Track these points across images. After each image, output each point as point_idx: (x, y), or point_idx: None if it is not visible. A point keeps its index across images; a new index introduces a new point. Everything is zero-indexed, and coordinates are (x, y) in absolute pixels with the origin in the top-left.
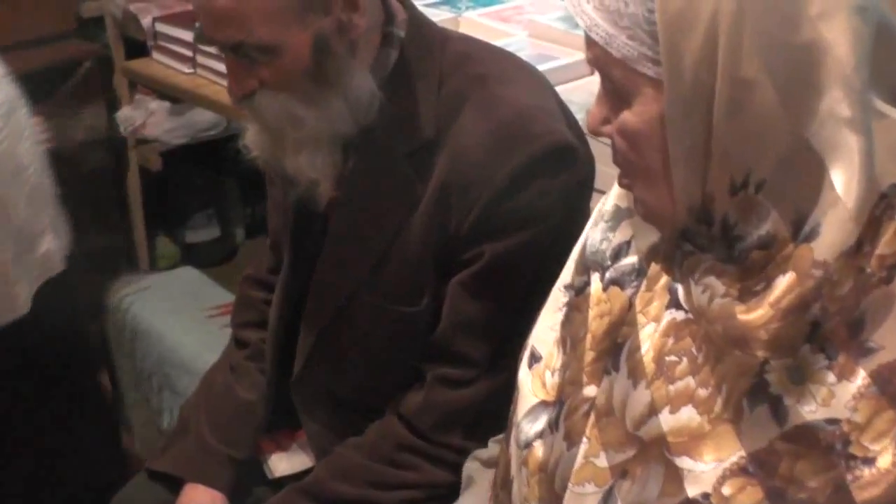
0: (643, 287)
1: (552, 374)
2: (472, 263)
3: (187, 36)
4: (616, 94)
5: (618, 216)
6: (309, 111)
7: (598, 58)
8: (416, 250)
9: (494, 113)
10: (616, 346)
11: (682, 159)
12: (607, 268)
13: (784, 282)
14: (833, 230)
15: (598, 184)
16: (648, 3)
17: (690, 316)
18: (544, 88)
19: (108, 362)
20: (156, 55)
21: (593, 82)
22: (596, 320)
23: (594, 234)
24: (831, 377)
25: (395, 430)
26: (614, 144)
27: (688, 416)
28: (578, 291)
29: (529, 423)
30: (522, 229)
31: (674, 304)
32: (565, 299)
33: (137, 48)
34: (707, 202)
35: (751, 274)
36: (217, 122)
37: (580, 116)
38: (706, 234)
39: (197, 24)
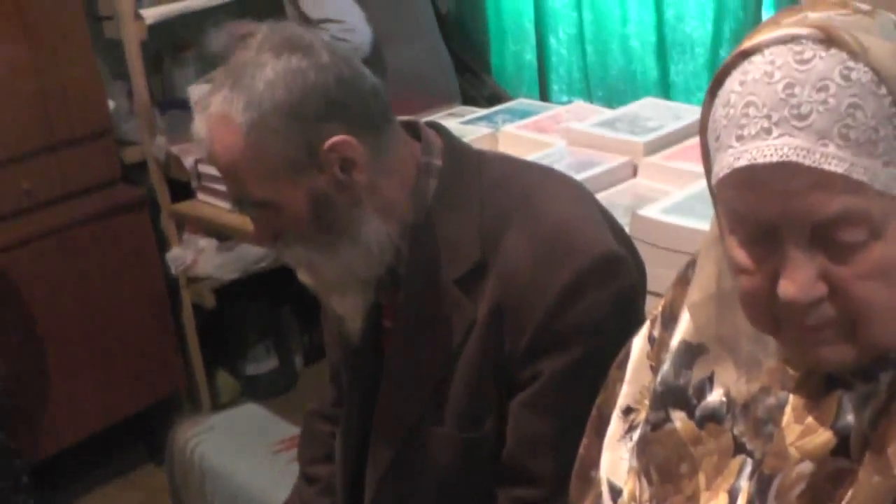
0: (788, 416)
1: None
2: (532, 383)
3: None
4: (846, 242)
5: (689, 353)
6: (322, 259)
7: (849, 206)
8: (475, 374)
9: (537, 230)
10: (761, 480)
11: None
12: (694, 406)
13: None
14: None
15: (651, 286)
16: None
17: (855, 466)
18: (585, 198)
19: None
20: (201, 196)
21: (637, 185)
22: (706, 458)
23: (665, 371)
24: None
25: None
26: (846, 294)
27: None
28: (655, 426)
29: None
30: (578, 344)
31: (842, 450)
32: (625, 426)
33: (182, 188)
34: None
35: None
36: (267, 253)
37: (625, 220)
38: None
39: None
